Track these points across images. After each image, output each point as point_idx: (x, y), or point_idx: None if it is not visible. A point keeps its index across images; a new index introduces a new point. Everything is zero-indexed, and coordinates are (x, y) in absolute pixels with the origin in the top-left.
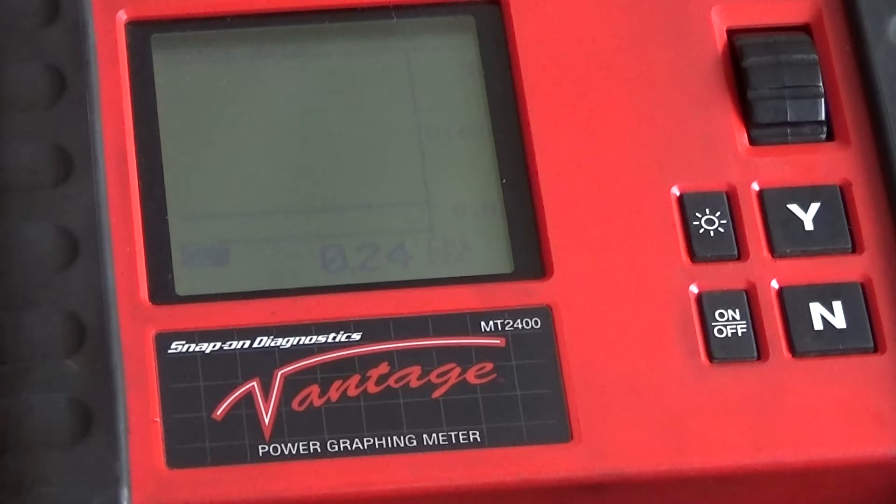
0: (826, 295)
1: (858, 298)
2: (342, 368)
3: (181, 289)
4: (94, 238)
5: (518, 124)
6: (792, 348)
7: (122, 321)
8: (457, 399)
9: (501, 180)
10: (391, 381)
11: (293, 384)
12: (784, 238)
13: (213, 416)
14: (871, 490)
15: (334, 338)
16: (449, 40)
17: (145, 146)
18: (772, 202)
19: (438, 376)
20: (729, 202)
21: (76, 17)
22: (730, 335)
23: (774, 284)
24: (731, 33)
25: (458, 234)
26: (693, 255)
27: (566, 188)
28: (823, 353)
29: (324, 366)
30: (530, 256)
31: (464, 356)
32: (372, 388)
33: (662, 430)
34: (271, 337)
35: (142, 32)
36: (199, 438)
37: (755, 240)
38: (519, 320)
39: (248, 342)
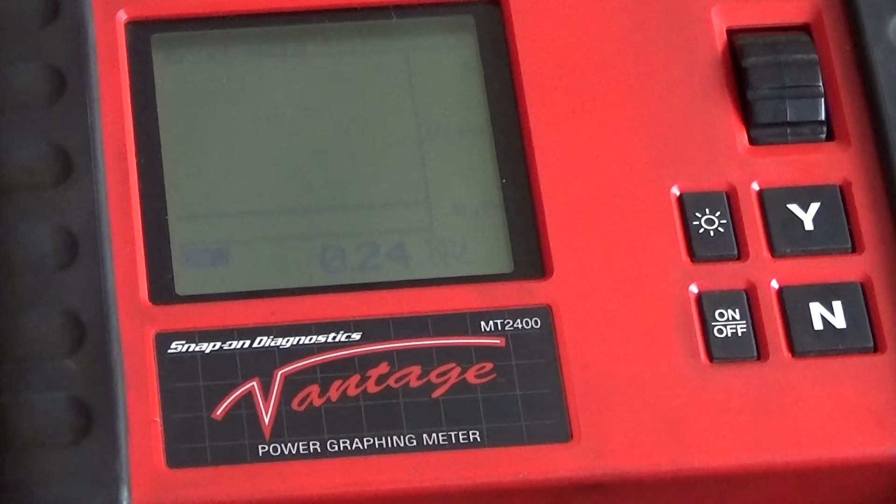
0: (826, 295)
1: (858, 298)
2: (342, 368)
3: (181, 289)
4: (94, 238)
5: (518, 124)
6: (792, 348)
7: (121, 321)
8: (457, 399)
9: (501, 180)
10: (391, 381)
11: (293, 384)
12: (784, 238)
13: (213, 415)
14: (871, 490)
15: (334, 338)
16: (449, 40)
17: (145, 146)
18: (772, 202)
19: (438, 376)
20: (729, 202)
21: (76, 17)
22: (730, 335)
23: (774, 284)
24: (731, 33)
25: (457, 234)
26: (693, 255)
27: (566, 188)
28: (823, 353)
29: (324, 366)
30: (530, 256)
31: (464, 356)
32: (372, 387)
33: (662, 430)
34: (271, 337)
35: (142, 32)
36: (199, 438)
37: (755, 240)
38: (519, 320)
39: (247, 342)
